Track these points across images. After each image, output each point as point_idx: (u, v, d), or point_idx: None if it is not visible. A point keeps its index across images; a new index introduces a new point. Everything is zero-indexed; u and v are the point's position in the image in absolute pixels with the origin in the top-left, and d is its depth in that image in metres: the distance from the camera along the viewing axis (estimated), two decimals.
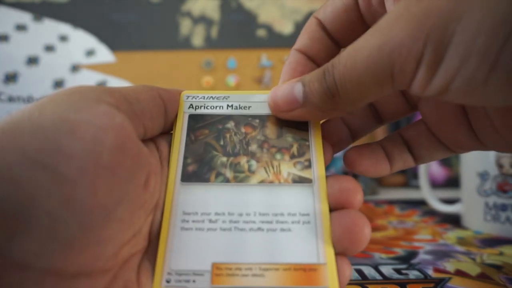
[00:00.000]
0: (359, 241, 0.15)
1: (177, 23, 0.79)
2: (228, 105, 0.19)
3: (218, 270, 0.15)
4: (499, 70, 0.12)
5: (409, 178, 0.68)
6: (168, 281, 0.15)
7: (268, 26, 0.79)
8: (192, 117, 0.19)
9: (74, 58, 0.74)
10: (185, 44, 0.79)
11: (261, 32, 0.79)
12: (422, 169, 0.40)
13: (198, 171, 0.17)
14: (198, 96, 0.19)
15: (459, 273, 0.23)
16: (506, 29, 0.12)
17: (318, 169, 0.17)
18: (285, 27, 0.78)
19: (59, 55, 0.73)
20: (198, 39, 0.79)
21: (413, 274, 0.23)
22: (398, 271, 0.24)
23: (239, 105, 0.19)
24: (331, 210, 0.16)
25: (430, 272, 0.24)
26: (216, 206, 0.16)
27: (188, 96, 0.19)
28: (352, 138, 0.21)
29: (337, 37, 0.19)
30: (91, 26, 0.77)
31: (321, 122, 0.19)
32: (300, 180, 0.17)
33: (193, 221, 0.16)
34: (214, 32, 0.79)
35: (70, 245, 0.12)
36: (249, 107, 0.19)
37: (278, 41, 0.78)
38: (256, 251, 0.15)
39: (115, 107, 0.14)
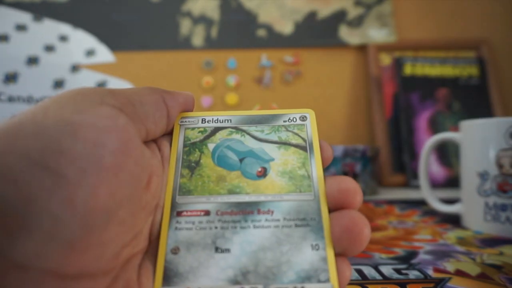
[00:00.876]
0: (359, 241, 0.15)
1: (177, 23, 0.79)
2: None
3: None
4: None
5: (409, 178, 0.68)
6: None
7: (268, 26, 0.79)
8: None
9: (74, 58, 0.74)
10: (185, 44, 0.79)
11: (261, 32, 0.79)
12: (422, 169, 0.40)
13: None
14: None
15: (459, 273, 0.23)
16: None
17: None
18: (285, 27, 0.78)
19: (59, 55, 0.73)
20: (198, 39, 0.79)
21: (413, 274, 0.23)
22: (398, 271, 0.24)
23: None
24: (330, 210, 0.16)
25: (430, 272, 0.24)
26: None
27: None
28: None
29: None
30: (91, 26, 0.77)
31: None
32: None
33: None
34: (214, 32, 0.79)
35: (71, 246, 0.12)
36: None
37: (278, 41, 0.78)
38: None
39: (118, 109, 0.14)
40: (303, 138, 0.18)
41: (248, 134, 0.19)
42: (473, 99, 0.72)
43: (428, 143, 0.39)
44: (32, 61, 0.71)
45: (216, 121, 0.19)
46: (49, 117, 0.13)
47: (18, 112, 0.68)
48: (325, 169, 0.54)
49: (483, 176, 0.33)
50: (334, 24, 0.79)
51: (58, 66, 0.73)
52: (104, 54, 0.77)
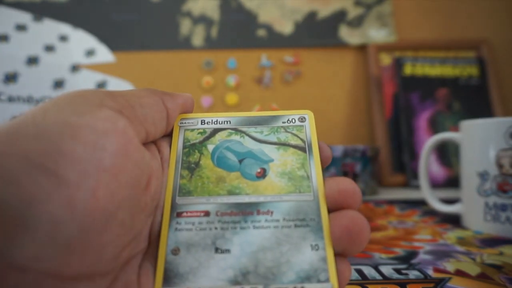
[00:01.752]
0: (359, 241, 0.15)
1: (177, 23, 0.79)
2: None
3: None
4: None
5: (409, 178, 0.68)
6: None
7: (268, 26, 0.79)
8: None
9: (74, 58, 0.74)
10: (185, 44, 0.79)
11: (261, 32, 0.79)
12: (422, 169, 0.40)
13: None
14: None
15: (459, 273, 0.23)
16: None
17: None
18: (285, 27, 0.78)
19: (59, 55, 0.73)
20: (198, 39, 0.79)
21: (413, 274, 0.23)
22: (398, 271, 0.24)
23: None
24: (330, 211, 0.16)
25: (430, 272, 0.24)
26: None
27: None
28: None
29: None
30: (91, 26, 0.77)
31: None
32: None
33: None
34: (214, 32, 0.79)
35: (71, 248, 0.12)
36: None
37: (278, 41, 0.78)
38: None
39: (117, 111, 0.14)
40: (302, 139, 0.18)
41: (248, 135, 0.19)
42: (473, 99, 0.72)
43: (428, 143, 0.39)
44: (32, 61, 0.71)
45: (215, 123, 0.19)
46: (49, 119, 0.13)
47: (18, 112, 0.68)
48: (324, 170, 0.54)
49: (483, 176, 0.33)
50: (334, 24, 0.79)
51: (58, 66, 0.73)
52: (104, 54, 0.77)
